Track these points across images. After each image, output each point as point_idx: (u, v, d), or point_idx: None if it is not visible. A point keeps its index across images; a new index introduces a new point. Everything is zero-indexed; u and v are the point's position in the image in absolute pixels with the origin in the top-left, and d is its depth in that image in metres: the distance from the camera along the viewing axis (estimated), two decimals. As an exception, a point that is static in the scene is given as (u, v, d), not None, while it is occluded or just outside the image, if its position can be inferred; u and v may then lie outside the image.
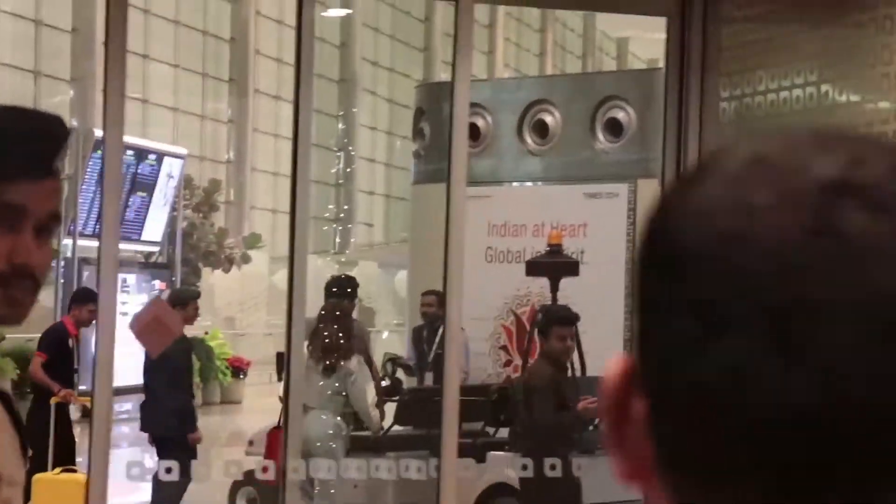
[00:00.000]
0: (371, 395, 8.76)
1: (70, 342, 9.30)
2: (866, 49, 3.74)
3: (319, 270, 19.66)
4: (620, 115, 10.43)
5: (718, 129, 4.26)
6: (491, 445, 8.44)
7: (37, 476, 7.55)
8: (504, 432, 8.87)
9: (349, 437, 8.34)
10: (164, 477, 4.91)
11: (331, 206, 31.28)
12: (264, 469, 4.69)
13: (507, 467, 8.40)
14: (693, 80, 4.29)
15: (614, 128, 10.46)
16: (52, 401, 8.82)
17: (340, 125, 31.61)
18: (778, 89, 4.03)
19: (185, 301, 9.23)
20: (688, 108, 4.31)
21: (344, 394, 8.28)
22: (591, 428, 8.40)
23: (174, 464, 4.95)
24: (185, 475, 5.55)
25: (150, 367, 8.65)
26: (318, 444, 7.85)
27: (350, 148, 32.04)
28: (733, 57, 4.23)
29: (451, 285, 4.06)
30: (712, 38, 4.25)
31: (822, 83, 3.88)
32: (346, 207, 31.99)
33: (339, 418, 8.24)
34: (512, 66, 35.46)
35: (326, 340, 8.20)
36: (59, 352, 9.17)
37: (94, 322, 7.57)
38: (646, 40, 32.39)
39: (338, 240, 31.94)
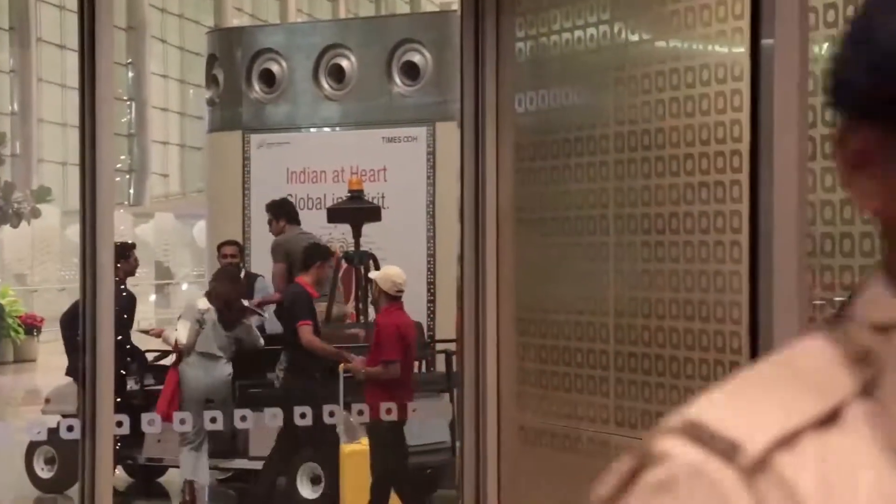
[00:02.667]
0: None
1: None
2: (654, -12, 3.83)
3: (116, 223, 19.04)
4: (416, 59, 10.44)
5: (515, 70, 4.31)
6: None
7: (348, 448, 7.73)
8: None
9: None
10: None
11: (123, 157, 30.33)
12: (69, 428, 4.55)
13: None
14: (489, 22, 4.31)
15: (411, 71, 10.47)
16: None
17: (130, 73, 30.61)
18: (572, 28, 4.10)
19: None
20: (484, 50, 4.33)
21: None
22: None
23: None
24: None
25: None
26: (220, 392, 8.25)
27: (141, 97, 31.10)
28: (527, -3, 4.27)
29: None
30: (506, -21, 4.29)
31: (615, 21, 3.97)
32: (138, 158, 31.10)
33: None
34: (305, 10, 35.00)
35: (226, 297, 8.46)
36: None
37: None
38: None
39: (132, 192, 31.05)
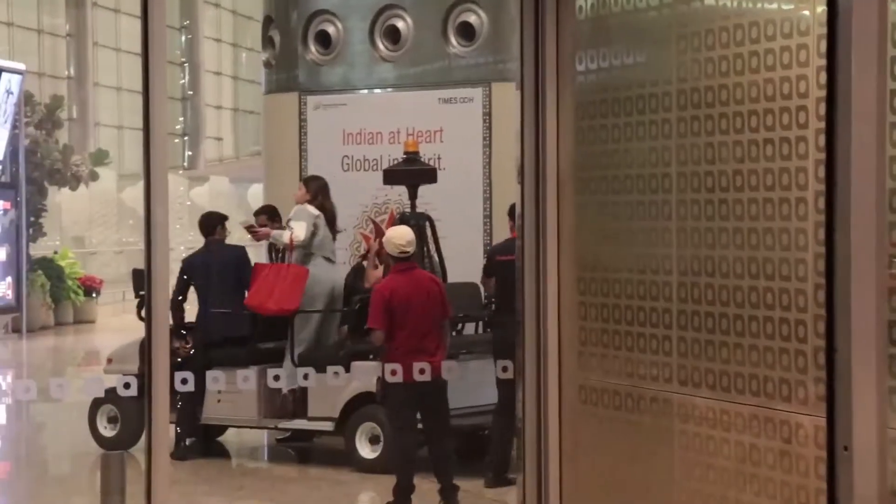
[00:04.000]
0: None
1: None
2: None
3: (171, 187, 19.23)
4: (472, 19, 10.40)
5: (575, 28, 4.27)
6: (354, 355, 8.46)
7: None
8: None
9: None
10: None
11: (179, 123, 30.59)
12: (126, 385, 4.63)
13: (372, 376, 8.47)
14: (548, -20, 4.28)
15: (466, 32, 10.43)
16: None
17: (183, 37, 30.76)
18: (634, -17, 4.05)
19: None
20: (544, 9, 4.30)
21: None
22: (453, 333, 8.52)
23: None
24: None
25: None
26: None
27: (194, 61, 31.25)
28: (587, -47, 4.23)
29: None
30: (566, -64, 4.24)
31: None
32: (192, 122, 31.32)
33: None
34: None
35: None
36: None
37: None
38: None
39: (188, 155, 31.31)
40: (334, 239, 9.18)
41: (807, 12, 3.49)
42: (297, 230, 8.75)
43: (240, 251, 9.45)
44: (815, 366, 3.44)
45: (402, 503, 7.31)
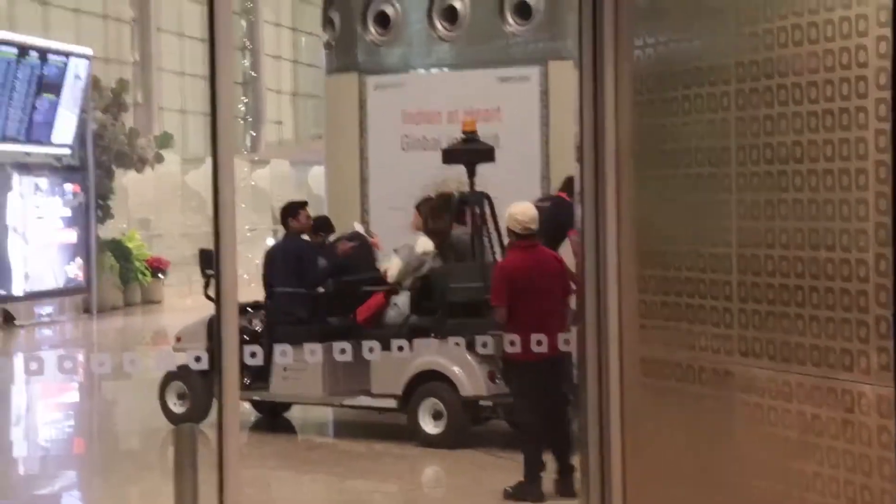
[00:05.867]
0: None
1: None
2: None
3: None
4: (529, -2, 10.41)
5: (633, 4, 4.28)
6: (416, 332, 8.55)
7: None
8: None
9: None
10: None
11: (241, 107, 30.88)
12: (197, 359, 4.74)
13: (434, 353, 8.54)
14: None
15: (523, 11, 10.45)
16: None
17: (243, 23, 31.01)
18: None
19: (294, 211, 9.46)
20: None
21: None
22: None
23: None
24: None
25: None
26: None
27: (255, 45, 31.49)
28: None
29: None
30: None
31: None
32: (253, 106, 31.58)
33: None
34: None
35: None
36: None
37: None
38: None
39: (249, 138, 31.59)
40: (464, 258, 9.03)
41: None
42: (392, 269, 8.93)
43: (304, 244, 9.60)
44: (876, 335, 3.45)
45: (533, 481, 7.24)
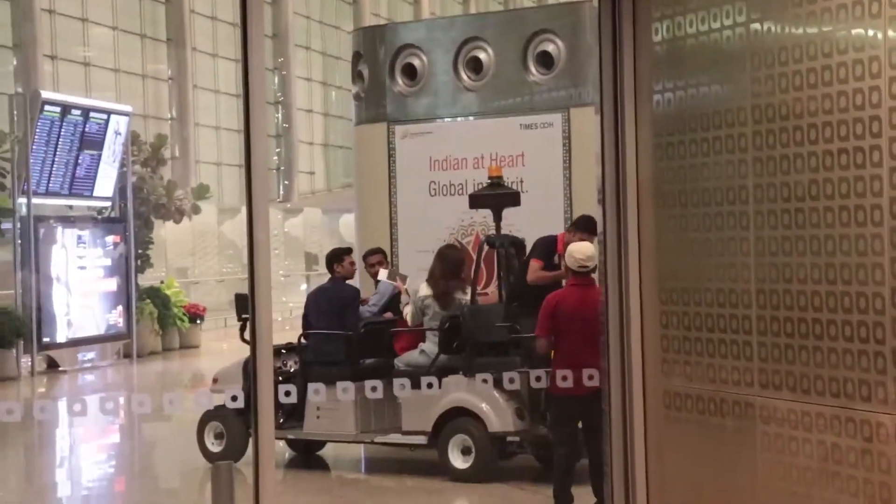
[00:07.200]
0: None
1: None
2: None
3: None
4: (550, 48, 10.58)
5: (652, 51, 4.40)
6: (446, 370, 8.67)
7: None
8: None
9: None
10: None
11: (274, 158, 31.27)
12: (234, 398, 4.85)
13: (463, 391, 8.65)
14: (625, 7, 4.42)
15: (545, 60, 10.62)
16: None
17: (276, 78, 31.47)
18: (708, 5, 4.18)
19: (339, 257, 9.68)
20: (622, 34, 4.43)
21: None
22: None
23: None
24: None
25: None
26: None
27: (287, 99, 31.94)
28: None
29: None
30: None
31: (752, 11, 4.03)
32: (286, 157, 31.97)
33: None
34: (437, 13, 35.43)
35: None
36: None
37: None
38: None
39: (282, 189, 31.95)
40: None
41: (878, 26, 3.59)
42: (407, 314, 9.33)
43: (350, 291, 9.74)
44: (893, 366, 3.53)
45: None
